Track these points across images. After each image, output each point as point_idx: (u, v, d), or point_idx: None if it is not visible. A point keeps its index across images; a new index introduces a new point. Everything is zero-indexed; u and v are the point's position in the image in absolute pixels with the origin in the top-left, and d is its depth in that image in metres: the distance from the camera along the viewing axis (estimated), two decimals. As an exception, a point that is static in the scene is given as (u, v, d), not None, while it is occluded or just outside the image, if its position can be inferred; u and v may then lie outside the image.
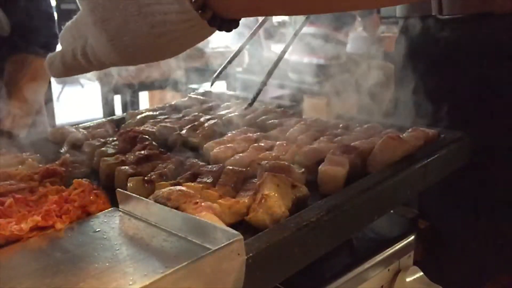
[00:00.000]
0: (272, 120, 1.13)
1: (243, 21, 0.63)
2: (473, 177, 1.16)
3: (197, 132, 1.05)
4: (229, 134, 1.04)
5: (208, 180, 0.78)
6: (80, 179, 0.76)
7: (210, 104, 1.30)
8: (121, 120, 1.25)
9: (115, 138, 1.03)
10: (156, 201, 0.68)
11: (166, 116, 1.22)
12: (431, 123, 1.09)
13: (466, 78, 1.19)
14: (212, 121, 1.10)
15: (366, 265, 0.88)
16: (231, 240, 0.53)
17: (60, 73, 0.68)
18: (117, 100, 3.24)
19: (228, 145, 0.96)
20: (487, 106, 1.17)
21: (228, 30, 0.61)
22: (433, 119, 1.14)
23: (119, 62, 0.63)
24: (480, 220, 1.20)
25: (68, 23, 0.68)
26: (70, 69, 0.68)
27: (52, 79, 1.63)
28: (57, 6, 2.78)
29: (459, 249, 1.23)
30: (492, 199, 1.19)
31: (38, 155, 0.95)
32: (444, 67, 1.22)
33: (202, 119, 1.14)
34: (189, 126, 1.09)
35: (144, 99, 3.56)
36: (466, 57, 1.19)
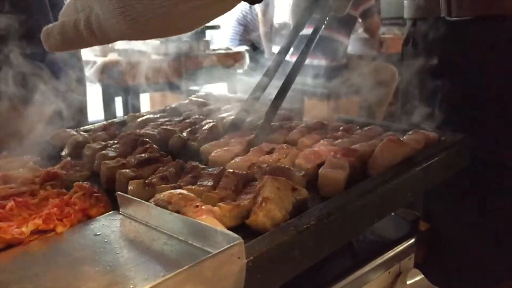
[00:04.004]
0: (273, 123, 1.13)
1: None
2: (477, 180, 1.16)
3: (198, 135, 1.05)
4: (226, 137, 1.03)
5: (208, 183, 0.78)
6: (81, 182, 0.77)
7: (211, 107, 1.30)
8: (122, 123, 1.25)
9: (116, 141, 1.03)
10: (156, 204, 0.68)
11: (167, 119, 1.21)
12: (432, 126, 1.09)
13: (472, 80, 1.19)
14: (212, 124, 1.10)
15: (367, 267, 0.88)
16: (231, 244, 0.53)
17: (57, 45, 0.65)
18: (118, 102, 3.23)
19: (225, 148, 0.96)
20: (492, 109, 1.17)
21: (253, 0, 0.57)
22: (434, 121, 1.14)
23: (127, 34, 0.58)
24: (482, 223, 1.20)
25: None
26: (69, 42, 0.63)
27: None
28: None
29: (461, 252, 1.23)
30: (495, 203, 1.19)
31: (39, 158, 0.95)
32: (451, 69, 1.21)
33: (203, 122, 1.14)
34: (189, 129, 1.09)
35: (145, 102, 3.56)
36: (475, 60, 1.19)
